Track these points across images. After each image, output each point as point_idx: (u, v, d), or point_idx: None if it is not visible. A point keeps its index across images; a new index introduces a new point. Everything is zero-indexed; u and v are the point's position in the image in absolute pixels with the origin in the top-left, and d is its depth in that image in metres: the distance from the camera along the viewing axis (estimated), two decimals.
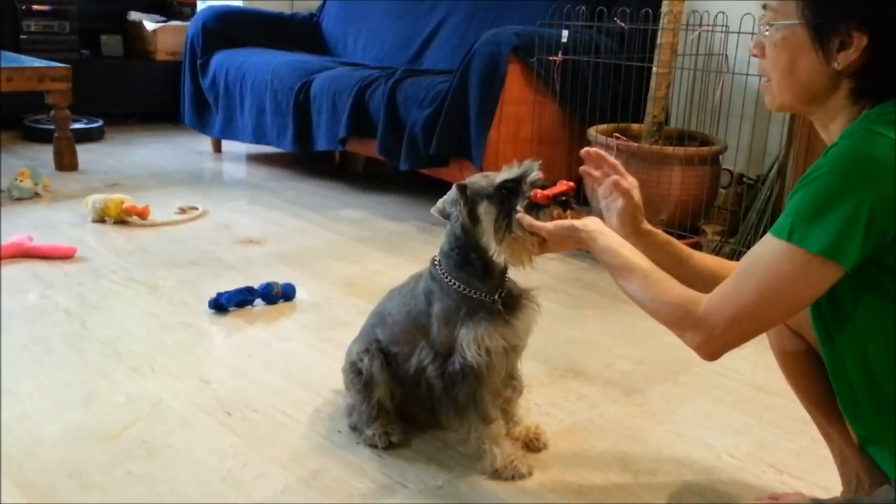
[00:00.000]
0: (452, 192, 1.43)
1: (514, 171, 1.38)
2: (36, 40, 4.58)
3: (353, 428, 1.61)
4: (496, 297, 1.45)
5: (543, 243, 1.35)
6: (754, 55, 1.14)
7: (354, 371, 1.58)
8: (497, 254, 1.38)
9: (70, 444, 1.55)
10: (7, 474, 1.44)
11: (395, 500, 1.42)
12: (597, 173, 1.36)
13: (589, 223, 1.29)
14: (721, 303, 1.07)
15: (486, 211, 1.39)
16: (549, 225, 1.31)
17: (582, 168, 1.38)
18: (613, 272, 1.23)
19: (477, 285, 1.45)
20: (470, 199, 1.41)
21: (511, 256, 1.38)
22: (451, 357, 1.45)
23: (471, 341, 1.42)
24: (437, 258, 1.50)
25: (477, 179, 1.43)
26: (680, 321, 1.12)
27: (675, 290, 1.15)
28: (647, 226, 1.33)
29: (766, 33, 1.09)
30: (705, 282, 1.22)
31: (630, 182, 1.31)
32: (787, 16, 1.06)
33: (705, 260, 1.34)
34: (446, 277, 1.46)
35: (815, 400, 1.30)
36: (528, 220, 1.33)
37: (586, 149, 1.38)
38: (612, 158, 1.35)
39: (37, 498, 1.39)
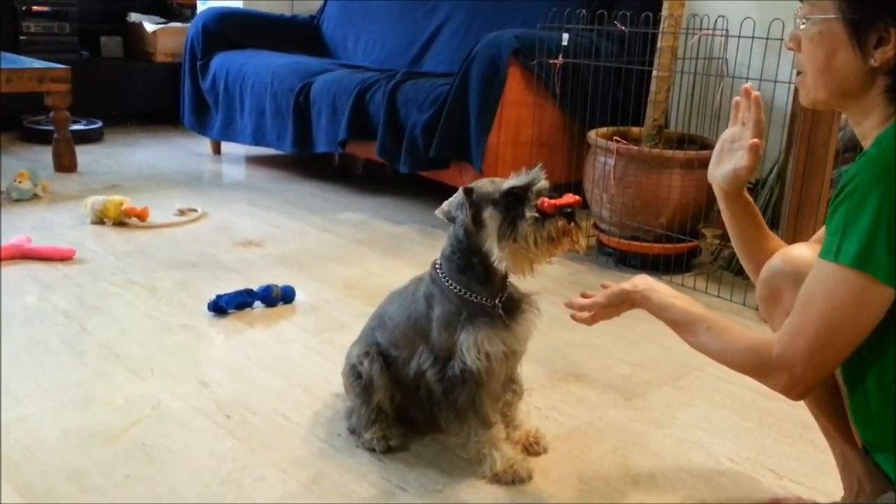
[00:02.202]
0: (458, 196, 1.43)
1: (521, 178, 1.38)
2: (35, 41, 4.57)
3: (353, 431, 1.61)
4: (497, 301, 1.45)
5: (596, 314, 1.36)
6: (790, 49, 1.13)
7: (354, 374, 1.58)
8: (499, 260, 1.38)
9: (69, 447, 1.54)
10: (6, 477, 1.44)
11: None
12: (741, 113, 1.29)
13: (637, 283, 1.29)
14: (792, 340, 1.05)
15: (491, 216, 1.39)
16: (601, 297, 1.33)
17: (736, 99, 1.31)
18: (676, 328, 1.23)
19: (478, 289, 1.45)
20: (475, 203, 1.41)
21: (512, 264, 1.38)
22: (450, 361, 1.45)
23: (471, 346, 1.41)
24: (439, 261, 1.50)
25: (484, 184, 1.43)
26: (758, 367, 1.10)
27: (745, 335, 1.14)
28: (745, 193, 1.31)
29: (802, 27, 1.08)
30: None
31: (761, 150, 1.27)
32: (824, 10, 1.05)
33: (777, 244, 1.32)
34: (447, 281, 1.46)
35: (819, 402, 1.29)
36: (580, 301, 1.36)
37: (747, 86, 1.30)
38: (762, 115, 1.28)
39: (35, 500, 1.38)
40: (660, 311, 1.25)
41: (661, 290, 1.27)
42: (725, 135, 1.31)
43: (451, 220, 1.45)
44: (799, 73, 1.14)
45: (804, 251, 1.20)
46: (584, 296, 1.41)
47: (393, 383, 1.57)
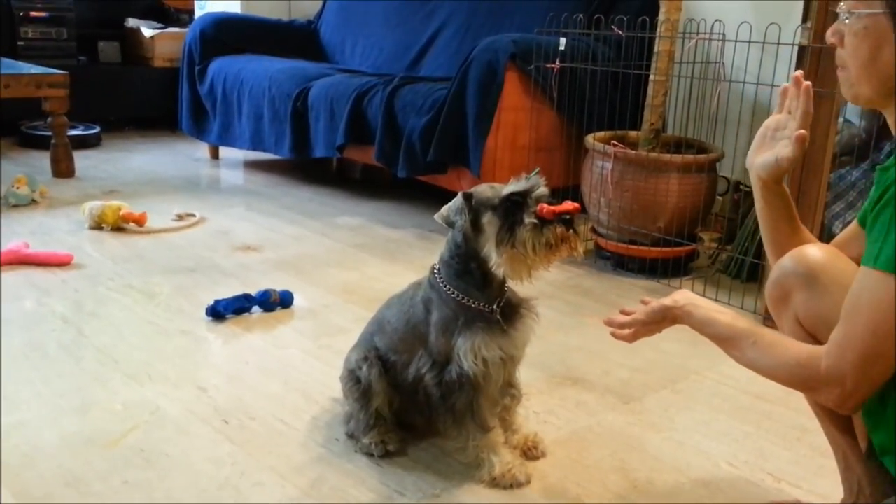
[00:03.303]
0: (458, 200, 1.43)
1: (521, 184, 1.38)
2: (33, 47, 4.58)
3: (351, 436, 1.61)
4: (495, 306, 1.45)
5: (637, 332, 1.32)
6: (831, 43, 1.10)
7: (353, 379, 1.58)
8: (496, 266, 1.38)
9: (67, 452, 1.54)
10: (4, 482, 1.44)
11: None
12: (788, 101, 1.23)
13: (678, 298, 1.26)
14: (839, 352, 1.02)
15: (489, 222, 1.39)
16: (640, 314, 1.30)
17: (784, 85, 1.25)
18: (720, 343, 1.19)
19: (476, 295, 1.45)
20: (475, 208, 1.41)
21: (510, 270, 1.38)
22: (448, 366, 1.45)
23: (468, 351, 1.42)
24: (437, 266, 1.50)
25: (483, 189, 1.43)
26: (807, 382, 1.07)
27: (792, 349, 1.10)
28: (783, 183, 1.27)
29: (846, 21, 1.05)
30: None
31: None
32: (870, 4, 1.02)
33: (807, 238, 1.29)
34: (445, 286, 1.46)
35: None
36: (619, 318, 1.33)
37: (798, 74, 1.22)
38: (811, 105, 1.20)
39: None
40: (703, 327, 1.21)
41: (704, 304, 1.23)
42: (769, 122, 1.26)
43: (451, 224, 1.45)
44: (838, 67, 1.10)
45: (816, 252, 1.18)
46: (623, 313, 1.37)
47: (391, 388, 1.57)
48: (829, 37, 1.10)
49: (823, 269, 1.16)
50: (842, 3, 1.07)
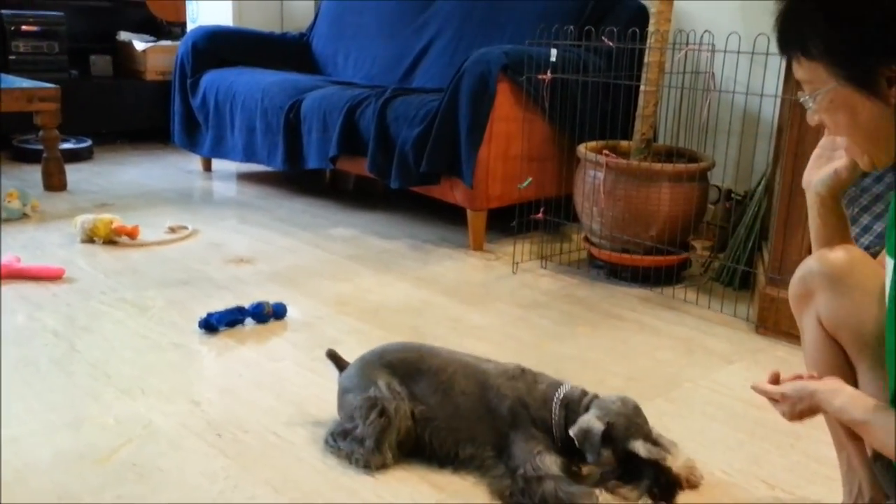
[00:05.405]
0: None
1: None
2: (25, 60, 4.57)
3: (344, 449, 1.60)
4: None
5: (794, 415, 1.22)
6: (819, 126, 1.11)
7: (371, 405, 1.59)
8: None
9: (59, 468, 1.53)
10: None
11: None
12: None
13: (821, 385, 1.18)
14: None
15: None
16: (787, 387, 1.21)
17: None
18: (856, 428, 1.13)
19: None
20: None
21: None
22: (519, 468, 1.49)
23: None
24: (562, 397, 1.59)
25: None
26: None
27: None
28: (841, 203, 1.24)
29: (813, 105, 1.08)
30: None
31: None
32: (823, 81, 1.04)
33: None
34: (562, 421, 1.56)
35: None
36: (767, 387, 1.26)
37: None
38: None
39: None
40: (839, 413, 1.14)
41: (846, 393, 1.14)
42: (824, 142, 1.25)
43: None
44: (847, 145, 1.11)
45: (842, 254, 1.20)
46: (772, 379, 1.28)
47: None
48: (811, 123, 1.11)
49: (847, 271, 1.17)
50: (799, 94, 1.09)
